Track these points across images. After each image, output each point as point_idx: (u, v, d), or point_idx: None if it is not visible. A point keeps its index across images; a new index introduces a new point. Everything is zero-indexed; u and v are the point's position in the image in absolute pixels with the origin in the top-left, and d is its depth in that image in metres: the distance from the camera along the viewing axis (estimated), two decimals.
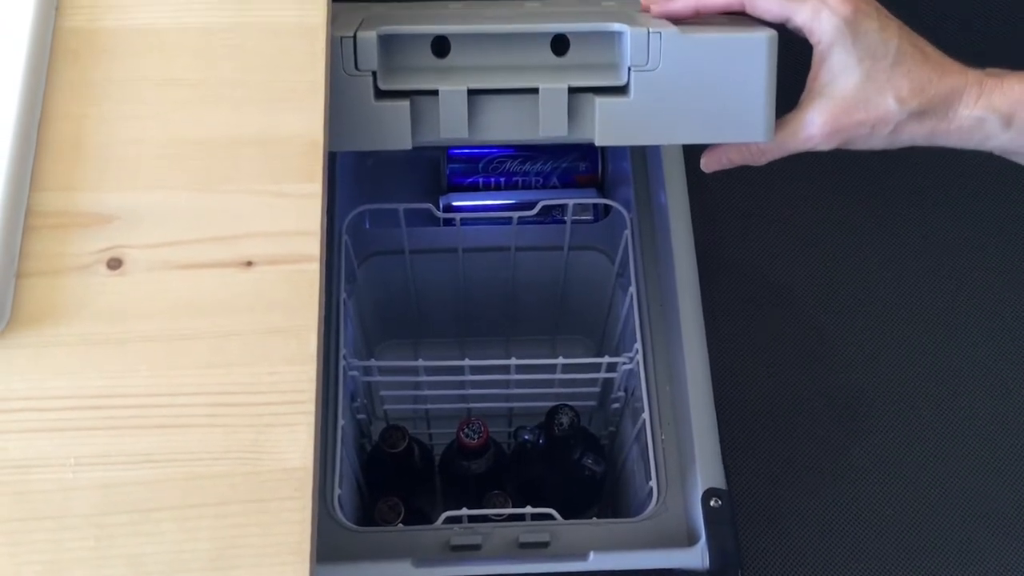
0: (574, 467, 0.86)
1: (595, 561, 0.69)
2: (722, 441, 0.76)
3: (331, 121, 0.56)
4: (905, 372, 0.94)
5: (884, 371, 0.95)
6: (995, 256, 1.01)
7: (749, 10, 0.64)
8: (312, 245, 0.53)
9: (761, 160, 0.67)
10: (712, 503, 0.71)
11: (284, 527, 0.48)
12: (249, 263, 0.52)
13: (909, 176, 1.05)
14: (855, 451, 0.84)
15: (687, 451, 0.75)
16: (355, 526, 0.72)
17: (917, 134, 0.63)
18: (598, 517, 0.88)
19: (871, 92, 0.62)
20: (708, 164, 0.69)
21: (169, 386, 0.50)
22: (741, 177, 1.01)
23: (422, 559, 0.69)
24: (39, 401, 0.49)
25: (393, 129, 0.64)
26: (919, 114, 0.62)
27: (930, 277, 0.99)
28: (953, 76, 0.62)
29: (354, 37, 0.63)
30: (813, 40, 0.63)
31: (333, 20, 0.59)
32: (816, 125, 0.63)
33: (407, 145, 0.65)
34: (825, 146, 0.65)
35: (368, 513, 0.83)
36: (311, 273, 0.52)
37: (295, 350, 0.51)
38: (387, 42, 0.64)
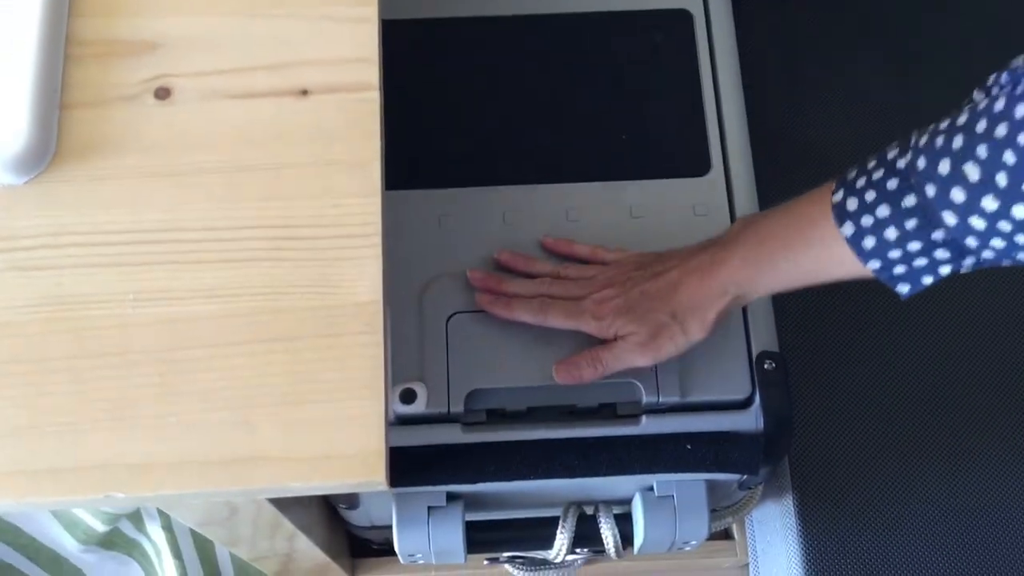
0: None
1: (647, 425, 0.68)
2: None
3: None
4: None
5: None
6: None
7: None
8: (370, 73, 0.50)
9: None
10: (766, 365, 0.69)
11: (357, 362, 0.45)
12: (304, 92, 0.49)
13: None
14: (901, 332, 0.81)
15: (737, 314, 0.73)
16: None
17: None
18: None
19: None
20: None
21: (229, 219, 0.47)
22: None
23: None
24: (91, 236, 0.46)
25: None
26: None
27: None
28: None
29: None
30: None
31: None
32: None
33: None
34: None
35: None
36: (371, 102, 0.49)
37: (360, 182, 0.48)
38: None
